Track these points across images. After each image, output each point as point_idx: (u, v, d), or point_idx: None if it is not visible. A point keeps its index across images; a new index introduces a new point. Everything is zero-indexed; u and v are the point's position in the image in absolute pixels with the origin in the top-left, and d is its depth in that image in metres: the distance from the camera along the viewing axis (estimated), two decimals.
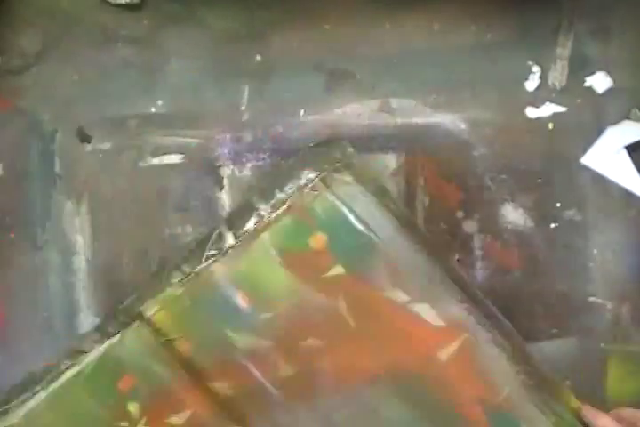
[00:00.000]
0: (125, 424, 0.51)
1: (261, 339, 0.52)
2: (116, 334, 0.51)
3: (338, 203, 0.51)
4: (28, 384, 0.51)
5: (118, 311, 0.52)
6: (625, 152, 0.57)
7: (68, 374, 0.51)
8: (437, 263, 0.52)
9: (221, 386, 0.51)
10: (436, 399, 0.52)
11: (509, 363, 0.52)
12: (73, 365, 0.51)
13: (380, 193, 0.52)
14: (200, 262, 0.51)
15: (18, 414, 0.50)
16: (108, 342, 0.51)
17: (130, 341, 0.51)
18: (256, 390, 0.52)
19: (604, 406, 0.56)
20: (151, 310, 0.51)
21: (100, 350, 0.51)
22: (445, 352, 0.52)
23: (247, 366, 0.52)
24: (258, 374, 0.52)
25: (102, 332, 0.52)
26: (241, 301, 0.51)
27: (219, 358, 0.51)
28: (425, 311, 0.52)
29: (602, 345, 0.57)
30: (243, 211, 0.52)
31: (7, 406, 0.51)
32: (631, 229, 0.56)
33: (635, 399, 0.56)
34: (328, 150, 0.53)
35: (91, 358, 0.51)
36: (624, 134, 0.57)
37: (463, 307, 0.52)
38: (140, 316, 0.51)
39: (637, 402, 0.56)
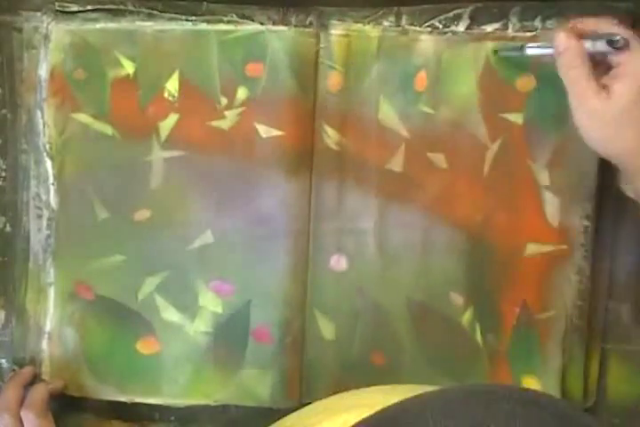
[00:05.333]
0: None
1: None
2: None
3: None
4: None
5: None
6: None
7: None
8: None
9: None
10: (489, 282, 0.55)
11: (576, 294, 0.54)
12: None
13: None
14: None
15: None
16: None
17: None
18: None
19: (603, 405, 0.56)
20: None
21: None
22: (534, 248, 0.54)
23: None
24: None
25: None
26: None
27: None
28: (552, 203, 0.54)
29: (602, 345, 0.57)
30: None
31: None
32: (631, 229, 0.56)
33: (635, 399, 0.56)
34: None
35: None
36: None
37: (584, 223, 0.54)
38: None
39: (637, 402, 0.56)
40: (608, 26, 0.47)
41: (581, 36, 0.46)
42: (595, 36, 0.46)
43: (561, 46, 0.46)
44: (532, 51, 0.51)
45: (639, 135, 0.45)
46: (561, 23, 0.50)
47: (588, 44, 0.46)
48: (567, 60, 0.45)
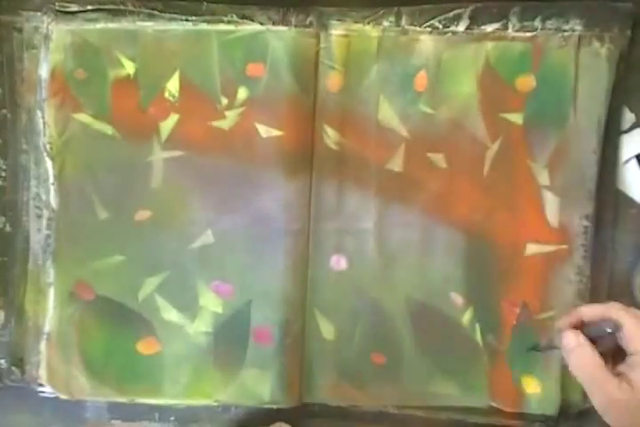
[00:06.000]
0: None
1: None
2: None
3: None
4: None
5: None
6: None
7: None
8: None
9: None
10: (489, 282, 0.55)
11: (575, 294, 0.54)
12: None
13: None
14: None
15: None
16: None
17: None
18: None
19: None
20: None
21: None
22: (534, 248, 0.54)
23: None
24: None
25: None
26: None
27: None
28: (552, 203, 0.54)
29: None
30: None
31: None
32: (631, 229, 0.56)
33: None
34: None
35: None
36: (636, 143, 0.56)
37: (584, 223, 0.54)
38: None
39: None
40: (601, 311, 0.44)
41: (582, 324, 0.45)
42: (593, 327, 0.44)
43: (568, 346, 0.44)
44: (545, 352, 0.52)
45: None
46: (561, 322, 0.46)
47: (591, 332, 0.44)
48: (577, 357, 0.43)
